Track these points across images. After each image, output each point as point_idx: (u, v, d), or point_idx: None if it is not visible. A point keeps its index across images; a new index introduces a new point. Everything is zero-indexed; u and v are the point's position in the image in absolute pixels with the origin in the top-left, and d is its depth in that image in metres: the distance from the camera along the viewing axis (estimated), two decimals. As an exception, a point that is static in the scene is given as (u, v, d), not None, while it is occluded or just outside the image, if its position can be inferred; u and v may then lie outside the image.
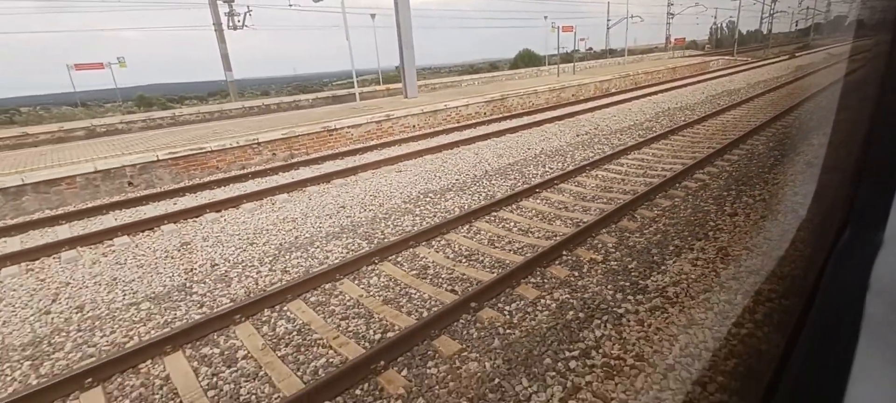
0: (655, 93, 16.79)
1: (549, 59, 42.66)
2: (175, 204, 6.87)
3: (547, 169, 7.82)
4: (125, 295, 4.47)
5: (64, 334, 3.86)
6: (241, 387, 3.09)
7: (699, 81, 19.91)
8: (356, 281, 4.42)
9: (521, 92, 14.36)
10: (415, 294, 4.12)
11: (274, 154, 8.95)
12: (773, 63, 27.32)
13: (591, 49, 24.96)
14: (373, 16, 23.57)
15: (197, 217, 6.23)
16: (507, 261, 4.56)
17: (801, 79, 18.34)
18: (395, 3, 12.91)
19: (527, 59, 43.95)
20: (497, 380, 2.80)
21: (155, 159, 7.52)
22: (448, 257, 4.80)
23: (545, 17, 42.84)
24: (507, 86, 16.93)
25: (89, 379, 3.19)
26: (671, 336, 2.94)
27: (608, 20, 45.07)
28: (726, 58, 31.10)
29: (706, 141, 9.07)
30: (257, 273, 4.74)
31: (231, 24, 24.24)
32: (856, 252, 0.66)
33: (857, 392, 0.48)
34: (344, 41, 13.23)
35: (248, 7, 23.24)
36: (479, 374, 2.91)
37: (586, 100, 15.71)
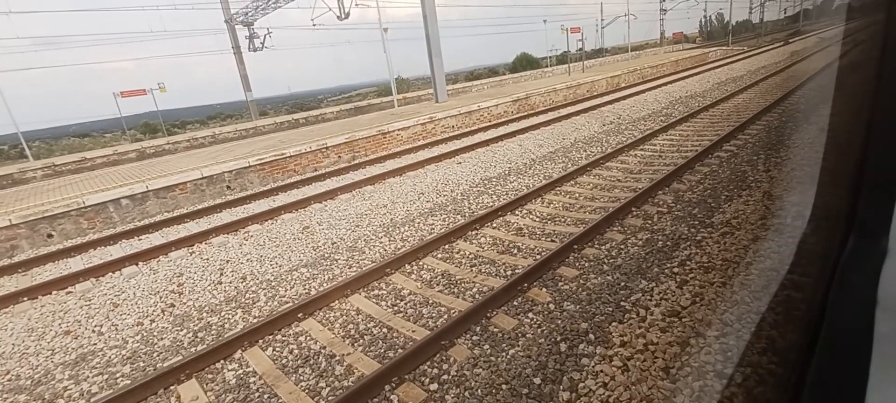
0: (664, 84, 17.90)
1: (548, 61, 43.96)
2: (274, 201, 7.90)
3: (589, 152, 8.87)
4: (278, 266, 5.47)
5: (252, 293, 4.86)
6: (420, 310, 4.09)
7: (702, 71, 21.05)
8: (467, 242, 5.44)
9: (541, 90, 15.47)
10: (522, 246, 5.13)
11: (339, 156, 10.01)
12: (767, 50, 28.56)
13: (581, 49, 26.21)
14: (386, 30, 24.73)
15: (305, 207, 7.27)
16: (587, 220, 5.58)
17: (797, 64, 19.50)
18: (424, 16, 14.05)
19: (525, 63, 45.33)
20: (622, 283, 3.83)
21: (247, 165, 8.57)
22: (535, 221, 5.82)
23: (545, 21, 44.12)
24: (524, 87, 18.05)
25: (300, 314, 4.20)
26: (744, 246, 3.97)
27: (602, 19, 46.52)
28: (723, 48, 32.33)
29: (724, 121, 10.12)
30: (381, 243, 5.76)
31: (252, 46, 25.45)
32: (861, 264, 0.63)
33: None
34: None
35: (267, 29, 24.47)
36: (603, 283, 3.93)
37: (601, 95, 16.84)
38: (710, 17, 52.81)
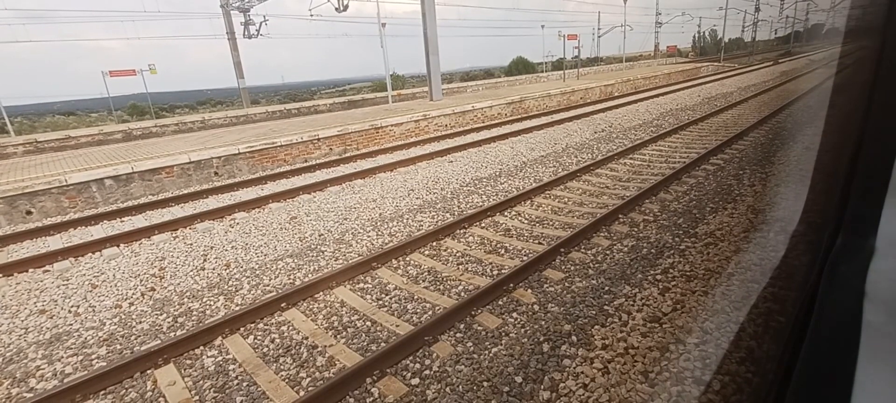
0: (656, 96, 18.13)
1: (544, 67, 44.22)
2: (262, 190, 7.81)
3: (580, 158, 8.94)
4: (263, 255, 5.42)
5: (235, 280, 4.81)
6: (405, 305, 4.08)
7: (693, 85, 21.37)
8: (455, 240, 5.44)
9: (536, 95, 15.55)
10: (509, 246, 5.15)
11: (331, 148, 9.94)
12: (758, 69, 29.09)
13: (576, 56, 26.43)
14: (383, 25, 24.65)
15: (293, 198, 7.21)
16: (575, 224, 5.62)
17: (787, 83, 19.89)
18: (423, 13, 14.03)
19: (521, 66, 45.52)
20: (607, 288, 3.86)
21: (236, 152, 8.46)
22: (523, 223, 5.85)
23: (542, 27, 44.33)
24: (519, 90, 18.13)
25: (284, 303, 4.16)
26: (726, 258, 4.03)
27: (599, 28, 47.00)
28: (715, 64, 32.85)
29: (712, 135, 10.28)
30: (368, 236, 5.73)
31: (246, 33, 25.14)
32: (849, 259, 0.65)
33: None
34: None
35: (264, 17, 24.19)
36: (588, 287, 3.96)
37: (595, 103, 16.98)
38: (704, 33, 53.63)
